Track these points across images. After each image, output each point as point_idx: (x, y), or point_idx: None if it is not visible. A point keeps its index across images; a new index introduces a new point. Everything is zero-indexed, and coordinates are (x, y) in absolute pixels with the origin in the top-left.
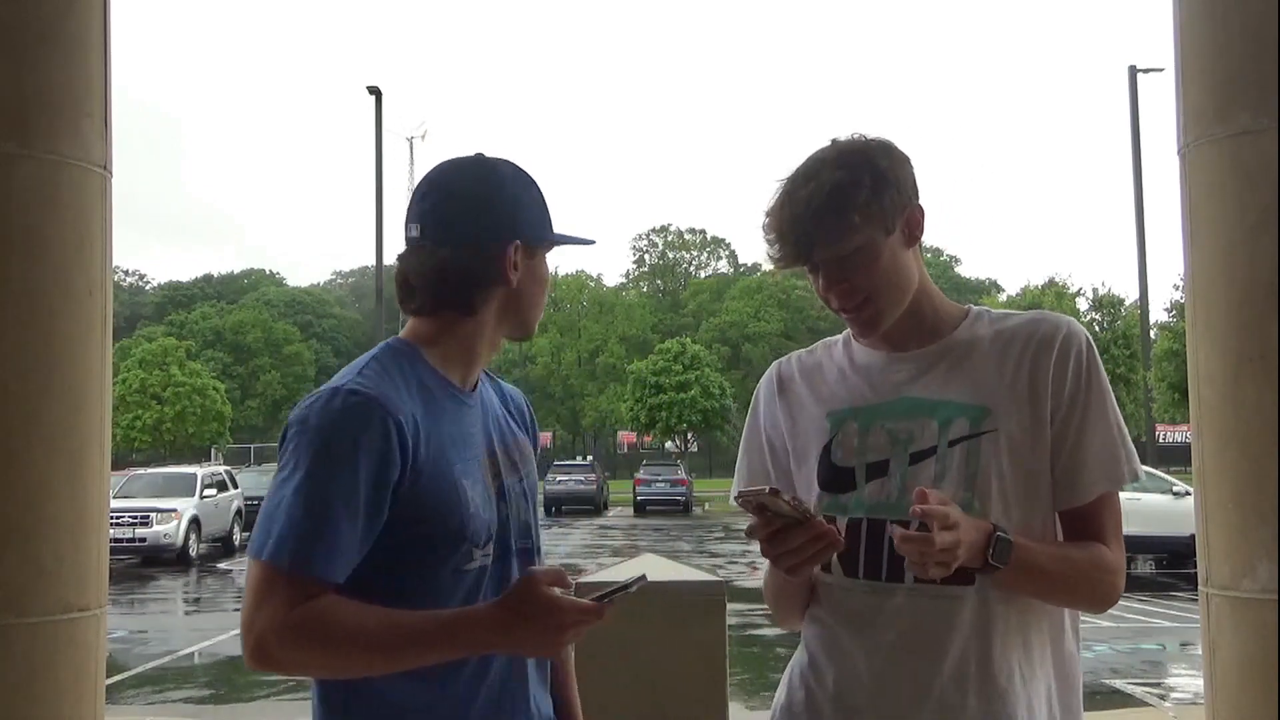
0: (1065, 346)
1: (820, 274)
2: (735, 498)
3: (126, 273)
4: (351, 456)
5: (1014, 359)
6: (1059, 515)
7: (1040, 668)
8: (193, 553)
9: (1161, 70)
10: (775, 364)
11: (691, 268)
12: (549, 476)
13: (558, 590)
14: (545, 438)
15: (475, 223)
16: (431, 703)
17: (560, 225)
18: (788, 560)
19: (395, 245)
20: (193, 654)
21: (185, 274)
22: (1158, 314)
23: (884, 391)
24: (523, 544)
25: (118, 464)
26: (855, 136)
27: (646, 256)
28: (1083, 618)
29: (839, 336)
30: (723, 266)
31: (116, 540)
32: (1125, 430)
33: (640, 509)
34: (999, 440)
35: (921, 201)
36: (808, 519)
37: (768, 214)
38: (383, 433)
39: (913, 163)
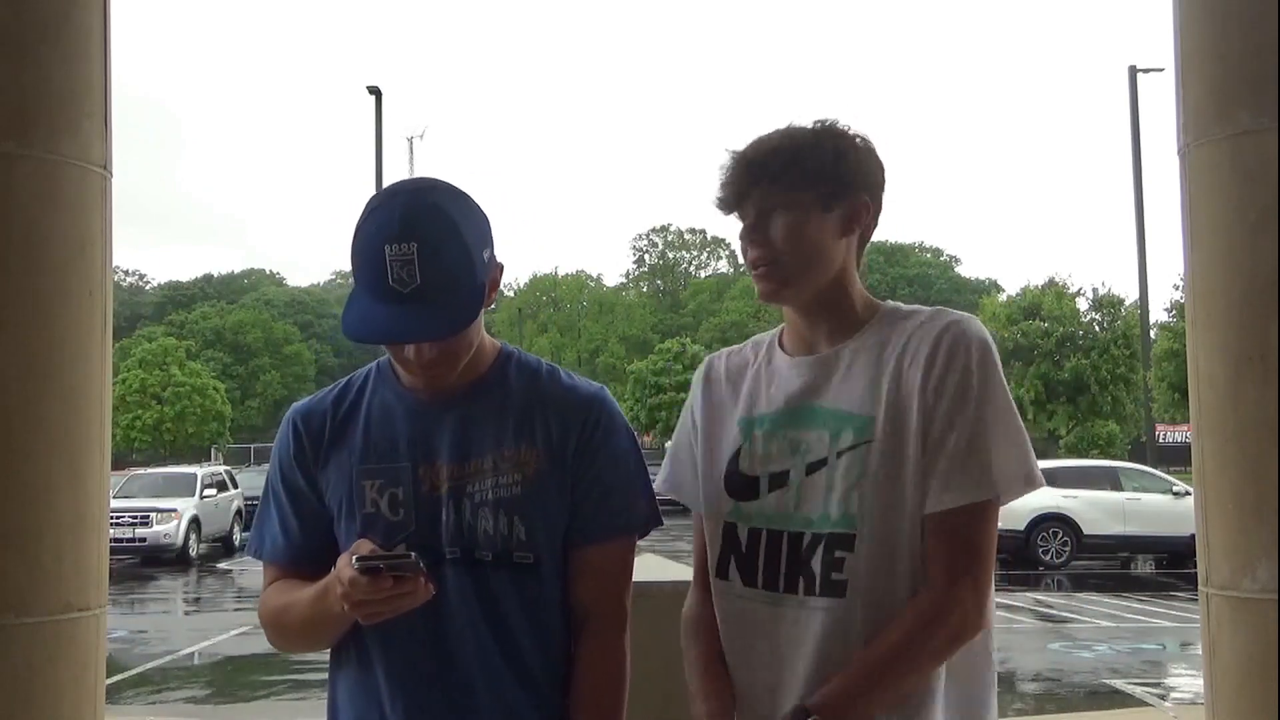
0: (951, 349)
1: (747, 223)
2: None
3: (126, 273)
4: (275, 458)
5: (898, 363)
6: (925, 518)
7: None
8: (193, 553)
9: (1161, 70)
10: (708, 359)
11: (691, 268)
12: None
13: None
14: None
15: None
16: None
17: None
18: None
19: None
20: (193, 654)
21: (185, 274)
22: (1158, 314)
23: (788, 398)
24: (478, 553)
25: (118, 464)
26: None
27: (646, 256)
28: (1084, 618)
29: (769, 336)
30: (723, 266)
31: (116, 540)
32: (1014, 437)
33: None
34: (881, 449)
35: (886, 208)
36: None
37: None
38: (288, 436)
39: (885, 168)
